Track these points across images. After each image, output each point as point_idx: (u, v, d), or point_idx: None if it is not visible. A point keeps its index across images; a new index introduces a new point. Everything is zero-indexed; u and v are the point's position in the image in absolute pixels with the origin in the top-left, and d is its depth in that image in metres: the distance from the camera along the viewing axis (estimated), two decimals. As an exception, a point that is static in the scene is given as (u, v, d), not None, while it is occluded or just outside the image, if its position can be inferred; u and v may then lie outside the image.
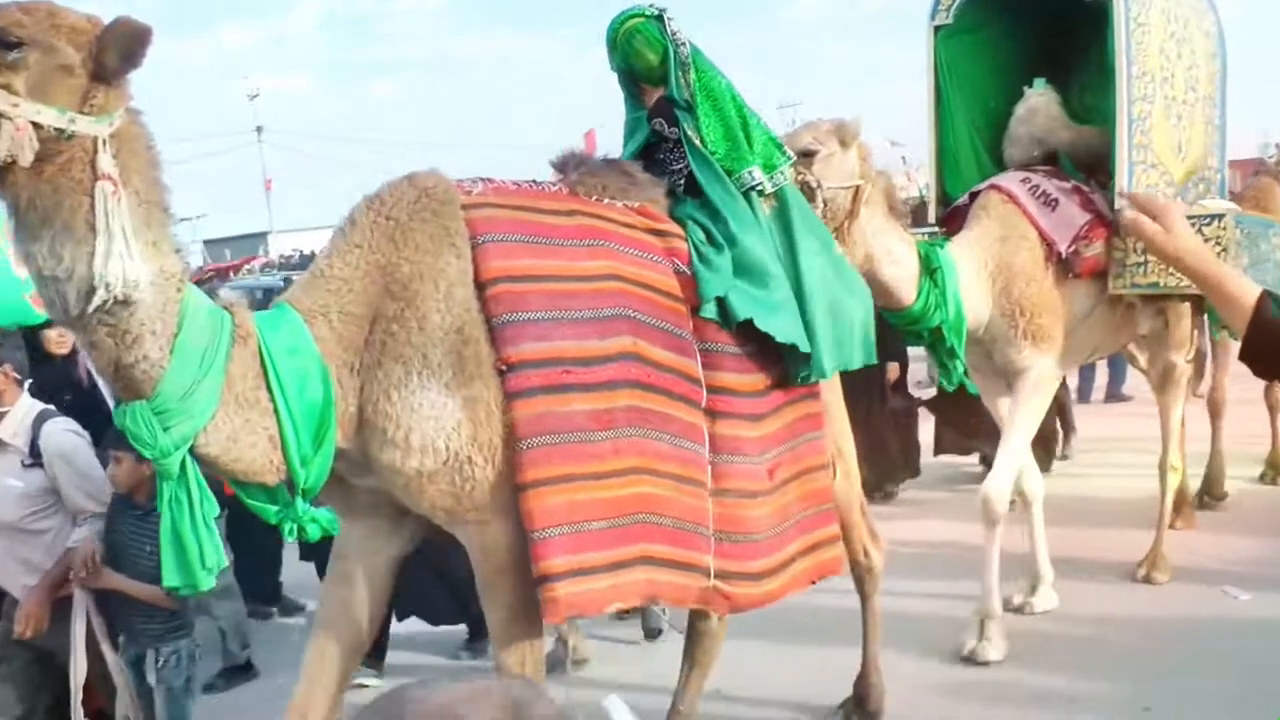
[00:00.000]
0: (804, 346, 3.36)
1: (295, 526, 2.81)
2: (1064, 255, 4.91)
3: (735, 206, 3.37)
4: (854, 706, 4.21)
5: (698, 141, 3.39)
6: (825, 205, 4.46)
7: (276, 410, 2.68)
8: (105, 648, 3.89)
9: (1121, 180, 4.99)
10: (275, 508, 2.81)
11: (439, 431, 2.83)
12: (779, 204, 3.51)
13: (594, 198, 3.27)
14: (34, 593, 3.78)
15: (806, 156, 4.38)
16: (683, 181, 3.48)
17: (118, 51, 2.37)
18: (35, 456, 3.83)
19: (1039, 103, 5.41)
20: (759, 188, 3.43)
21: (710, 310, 3.25)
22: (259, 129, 34.04)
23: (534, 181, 3.30)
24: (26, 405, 3.93)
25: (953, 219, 5.37)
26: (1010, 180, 5.13)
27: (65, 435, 3.90)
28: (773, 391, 3.40)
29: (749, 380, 3.32)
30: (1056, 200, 5.04)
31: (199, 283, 3.02)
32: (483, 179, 3.20)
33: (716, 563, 3.16)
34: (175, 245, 2.59)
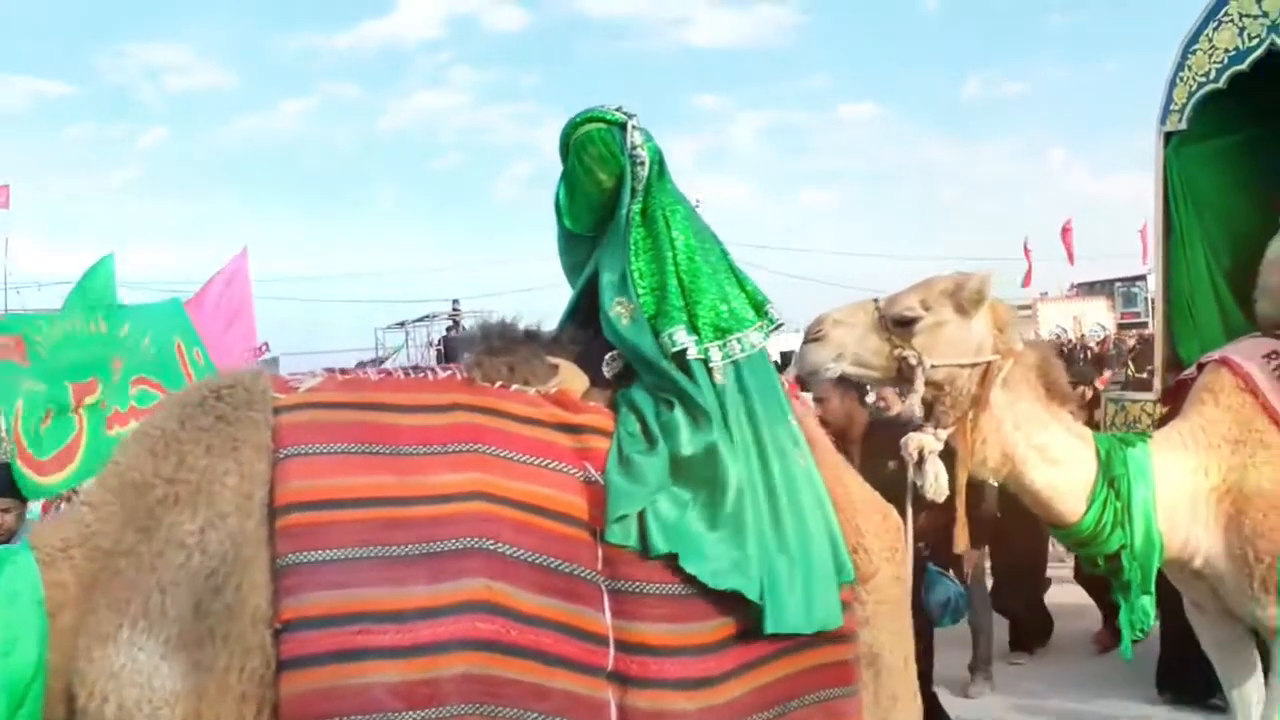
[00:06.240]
0: (750, 594, 2.44)
1: None
2: None
3: (675, 382, 2.55)
4: None
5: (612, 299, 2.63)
6: (942, 389, 3.26)
7: None
8: None
9: None
10: None
11: (141, 704, 2.17)
12: (735, 381, 2.60)
13: (496, 384, 2.54)
14: None
15: (903, 325, 3.22)
16: None
17: None
18: None
19: (1299, 240, 3.82)
20: (688, 353, 2.57)
21: (617, 534, 2.41)
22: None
23: (415, 368, 2.64)
24: None
25: (1178, 394, 3.90)
26: (1249, 355, 3.59)
27: None
28: (740, 643, 2.48)
29: (689, 631, 2.43)
30: (1314, 391, 3.47)
31: None
32: (331, 370, 2.57)
33: None
34: None
